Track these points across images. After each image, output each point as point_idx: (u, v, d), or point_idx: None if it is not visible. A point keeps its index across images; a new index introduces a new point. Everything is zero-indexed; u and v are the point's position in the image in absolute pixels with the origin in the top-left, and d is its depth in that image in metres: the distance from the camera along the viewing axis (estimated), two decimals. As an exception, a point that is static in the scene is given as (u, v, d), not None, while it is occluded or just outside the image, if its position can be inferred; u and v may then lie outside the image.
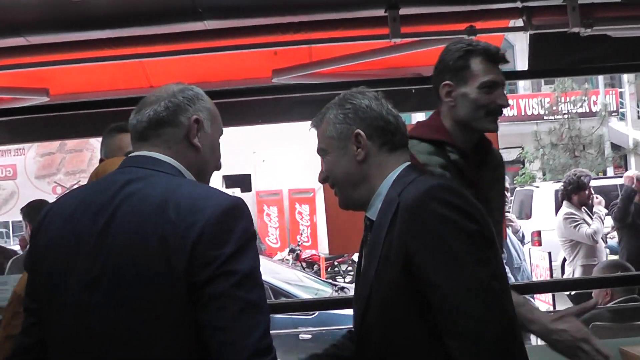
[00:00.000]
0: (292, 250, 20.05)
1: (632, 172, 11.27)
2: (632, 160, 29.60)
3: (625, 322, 4.16)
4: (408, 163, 2.50)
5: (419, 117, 18.48)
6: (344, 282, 17.05)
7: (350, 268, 19.22)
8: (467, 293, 2.16)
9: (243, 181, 22.79)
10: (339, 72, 5.02)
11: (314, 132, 2.60)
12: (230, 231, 2.07)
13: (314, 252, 20.48)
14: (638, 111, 33.04)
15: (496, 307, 2.18)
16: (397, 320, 2.28)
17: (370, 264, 2.39)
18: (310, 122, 2.63)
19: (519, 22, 4.54)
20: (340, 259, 19.27)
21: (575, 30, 4.38)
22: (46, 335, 2.23)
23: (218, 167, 2.44)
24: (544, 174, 27.23)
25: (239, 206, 2.14)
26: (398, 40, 4.30)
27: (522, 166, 29.09)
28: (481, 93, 2.94)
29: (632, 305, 5.27)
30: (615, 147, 29.37)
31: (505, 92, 2.99)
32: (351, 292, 11.53)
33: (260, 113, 5.52)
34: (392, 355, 2.30)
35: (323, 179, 2.58)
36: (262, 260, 12.50)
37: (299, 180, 22.20)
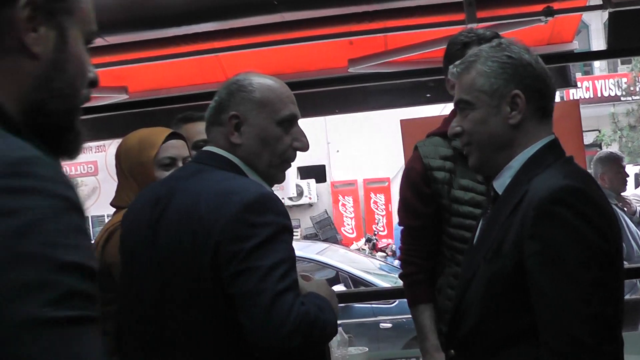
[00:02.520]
0: (368, 240, 20.05)
1: None
2: None
3: None
4: (550, 139, 2.24)
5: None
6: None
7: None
8: (577, 316, 1.97)
9: (317, 172, 22.86)
10: (415, 59, 4.99)
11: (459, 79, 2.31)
12: (252, 226, 2.08)
13: (390, 241, 20.46)
14: None
15: (604, 336, 1.98)
16: (495, 312, 2.14)
17: (483, 244, 2.24)
18: (451, 67, 2.35)
19: (597, 1, 4.45)
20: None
21: (658, 6, 4.28)
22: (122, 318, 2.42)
23: (298, 149, 2.38)
24: (622, 157, 26.70)
25: (264, 200, 2.14)
26: (474, 25, 4.24)
27: (599, 149, 28.56)
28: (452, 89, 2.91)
29: None
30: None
31: None
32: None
33: (337, 103, 5.51)
34: (483, 341, 2.19)
35: (456, 134, 2.30)
36: (340, 249, 12.60)
37: (374, 170, 22.19)
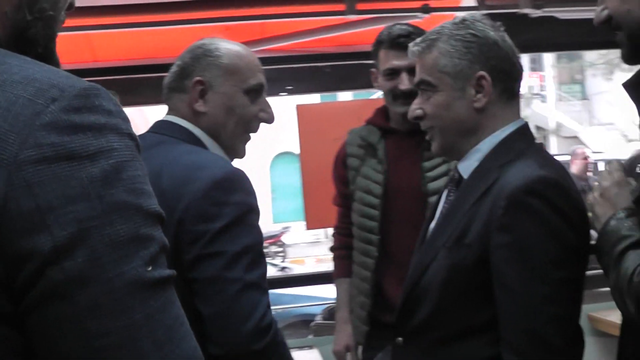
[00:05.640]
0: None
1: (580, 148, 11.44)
2: (552, 141, 30.34)
3: (592, 289, 4.27)
4: (521, 123, 2.12)
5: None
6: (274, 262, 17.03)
7: (281, 249, 19.19)
8: (542, 314, 1.87)
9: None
10: (291, 48, 4.94)
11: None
12: (221, 205, 1.93)
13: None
14: (558, 93, 33.86)
15: (569, 336, 1.91)
16: (453, 303, 2.02)
17: (444, 229, 2.09)
18: (411, 45, 2.18)
19: (472, 2, 4.55)
20: (270, 240, 19.22)
21: (526, 11, 4.40)
22: None
23: (264, 120, 2.27)
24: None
25: (234, 177, 2.00)
26: (353, 17, 4.26)
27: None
28: (385, 80, 3.13)
29: (598, 273, 5.31)
30: (537, 128, 29.87)
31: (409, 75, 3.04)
32: (292, 272, 11.50)
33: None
34: (436, 331, 2.06)
35: (417, 117, 2.15)
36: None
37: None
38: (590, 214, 1.96)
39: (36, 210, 0.82)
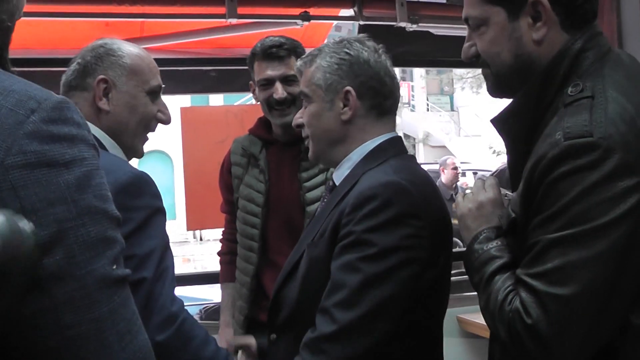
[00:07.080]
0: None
1: (450, 158, 11.73)
2: (420, 150, 31.05)
3: (460, 292, 4.46)
4: (392, 135, 2.28)
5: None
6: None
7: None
8: (334, 297, 2.02)
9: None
10: (170, 49, 4.94)
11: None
12: (127, 210, 1.85)
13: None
14: (427, 104, 34.71)
15: (340, 334, 2.00)
16: (312, 296, 2.12)
17: (312, 229, 2.26)
18: (298, 61, 2.36)
19: (350, 12, 4.67)
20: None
21: (402, 24, 4.57)
22: None
23: (162, 121, 2.31)
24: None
25: (140, 181, 2.01)
26: (234, 21, 4.29)
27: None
28: (260, 90, 3.19)
29: (466, 278, 5.48)
30: (406, 136, 30.49)
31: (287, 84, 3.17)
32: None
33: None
34: (301, 325, 2.13)
35: (298, 125, 2.35)
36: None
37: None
38: (458, 221, 2.07)
39: (20, 211, 0.90)
